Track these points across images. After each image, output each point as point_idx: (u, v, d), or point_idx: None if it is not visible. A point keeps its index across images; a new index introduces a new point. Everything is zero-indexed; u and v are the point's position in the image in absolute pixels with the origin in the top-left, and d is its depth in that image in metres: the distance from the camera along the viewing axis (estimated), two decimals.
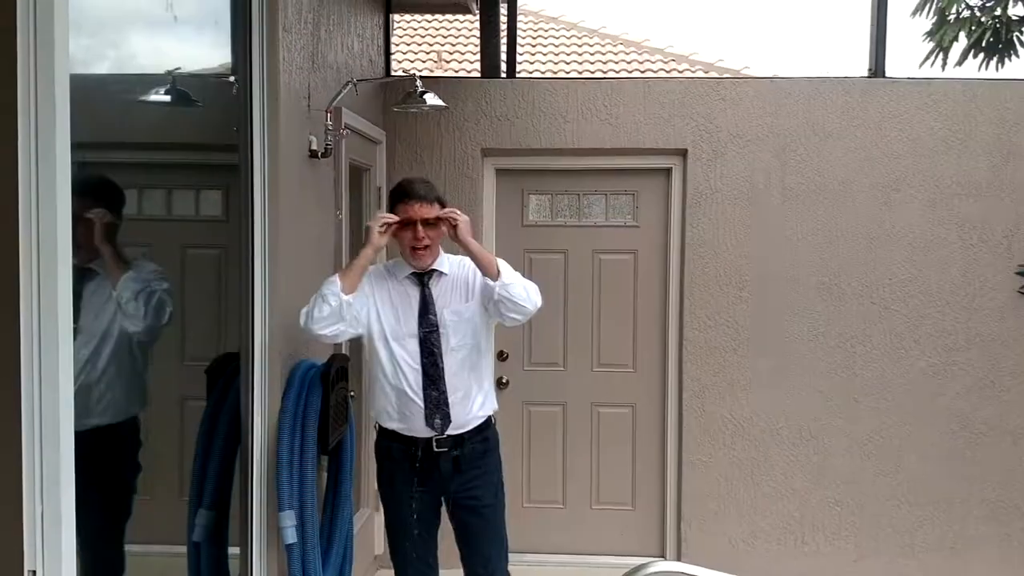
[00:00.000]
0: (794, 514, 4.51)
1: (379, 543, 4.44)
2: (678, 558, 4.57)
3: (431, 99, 3.40)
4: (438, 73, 8.34)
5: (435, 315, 3.03)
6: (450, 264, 3.13)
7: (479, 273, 3.06)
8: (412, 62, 8.88)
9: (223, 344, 2.91)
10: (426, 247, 3.01)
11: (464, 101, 4.52)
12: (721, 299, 4.51)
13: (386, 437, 3.11)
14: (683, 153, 4.52)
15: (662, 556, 4.67)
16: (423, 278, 3.07)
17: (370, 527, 4.32)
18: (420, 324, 3.02)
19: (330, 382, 3.02)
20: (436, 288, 3.08)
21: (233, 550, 2.81)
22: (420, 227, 2.98)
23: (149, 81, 2.39)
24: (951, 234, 4.43)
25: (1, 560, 1.66)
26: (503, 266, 3.00)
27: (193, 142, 2.72)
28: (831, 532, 4.49)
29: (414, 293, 3.06)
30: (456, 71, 8.71)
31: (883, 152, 4.42)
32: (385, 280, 3.09)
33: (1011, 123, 4.41)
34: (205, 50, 2.79)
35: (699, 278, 4.51)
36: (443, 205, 3.08)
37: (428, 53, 9.28)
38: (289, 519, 2.81)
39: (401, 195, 3.05)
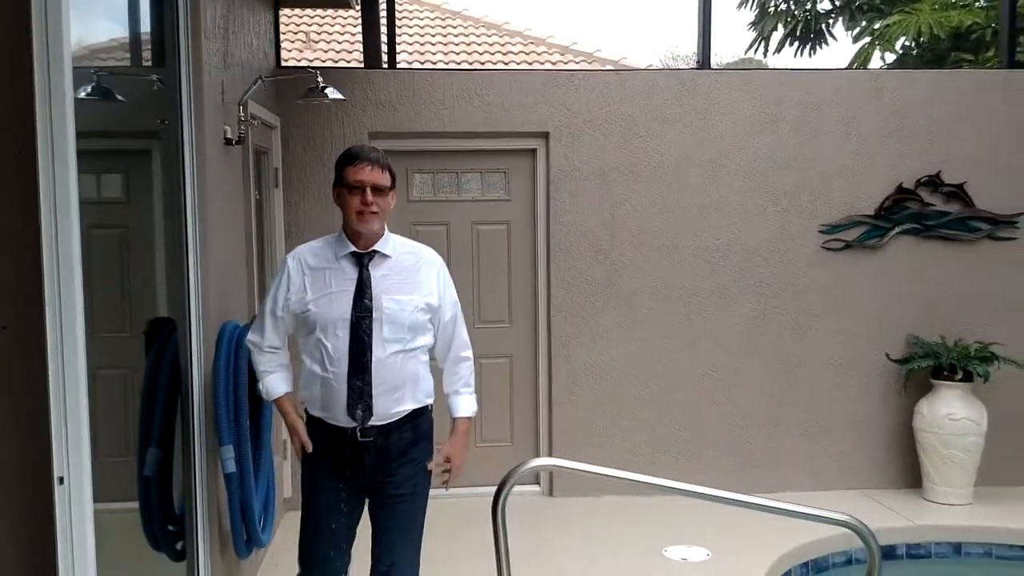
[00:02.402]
0: (646, 439, 5.32)
1: (288, 488, 4.96)
2: (551, 483, 5.32)
3: (332, 93, 3.90)
4: (307, 54, 8.72)
5: (370, 300, 2.85)
6: (395, 246, 2.98)
7: (439, 279, 3.00)
8: (289, 50, 9.20)
9: (158, 309, 3.36)
10: (373, 213, 2.86)
11: (351, 90, 5.02)
12: (580, 262, 5.23)
13: (313, 424, 2.99)
14: (546, 136, 5.20)
15: (537, 484, 5.41)
16: (363, 259, 2.91)
17: (281, 473, 4.83)
18: (354, 307, 2.85)
19: None
20: (376, 271, 2.90)
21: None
22: (369, 192, 2.84)
23: (91, 79, 2.78)
24: (766, 201, 5.30)
25: (37, 468, 2.13)
26: (472, 406, 3.14)
27: (119, 131, 3.12)
28: (676, 453, 5.33)
29: (352, 274, 2.89)
30: (337, 53, 9.09)
31: (710, 134, 5.24)
32: (318, 264, 2.95)
33: (813, 106, 5.30)
34: (140, 54, 3.23)
35: (562, 244, 5.22)
36: (393, 176, 2.95)
37: (295, 33, 9.60)
38: (229, 452, 3.32)
39: (350, 158, 2.91)
